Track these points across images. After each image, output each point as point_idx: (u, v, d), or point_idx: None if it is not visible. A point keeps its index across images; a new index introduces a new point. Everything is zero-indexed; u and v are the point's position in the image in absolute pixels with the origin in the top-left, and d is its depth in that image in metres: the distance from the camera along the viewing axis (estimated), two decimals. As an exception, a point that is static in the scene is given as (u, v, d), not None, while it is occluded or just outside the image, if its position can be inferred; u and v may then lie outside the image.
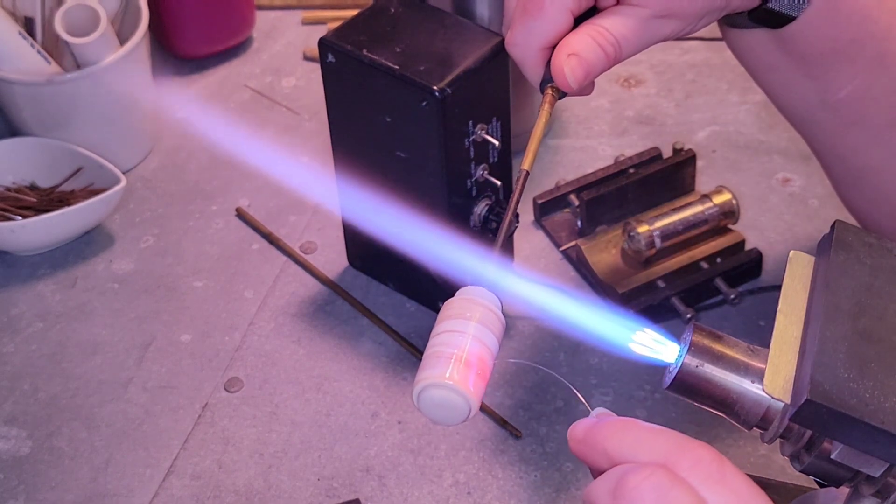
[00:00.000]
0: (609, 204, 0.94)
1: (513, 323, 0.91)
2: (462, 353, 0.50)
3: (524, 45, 0.64)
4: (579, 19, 0.64)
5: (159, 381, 0.89)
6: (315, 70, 1.13)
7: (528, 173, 0.58)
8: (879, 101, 0.70)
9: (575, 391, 0.54)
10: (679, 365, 0.52)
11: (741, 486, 0.45)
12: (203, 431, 0.86)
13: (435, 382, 0.49)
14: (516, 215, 0.85)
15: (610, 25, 0.63)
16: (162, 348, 0.91)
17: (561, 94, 0.63)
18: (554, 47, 0.64)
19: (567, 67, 0.62)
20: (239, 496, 0.82)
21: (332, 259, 0.97)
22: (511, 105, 0.84)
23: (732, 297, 0.90)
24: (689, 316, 0.88)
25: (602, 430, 0.48)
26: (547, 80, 0.63)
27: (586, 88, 0.64)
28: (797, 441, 0.51)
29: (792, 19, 0.67)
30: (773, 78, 0.72)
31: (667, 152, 0.98)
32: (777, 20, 0.67)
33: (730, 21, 0.69)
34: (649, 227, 0.91)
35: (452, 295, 0.53)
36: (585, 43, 0.62)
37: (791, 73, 0.71)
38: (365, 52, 0.80)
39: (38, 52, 0.98)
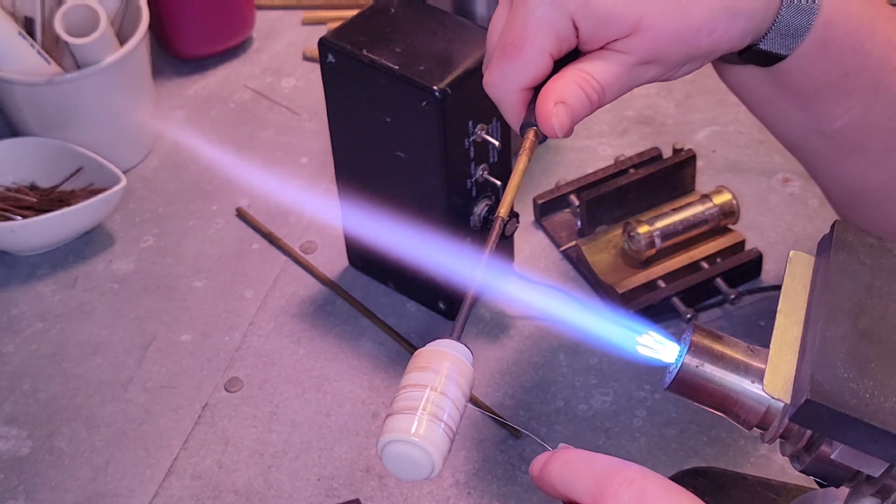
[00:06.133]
0: (609, 204, 0.94)
1: (513, 323, 0.91)
2: (428, 408, 0.49)
3: (502, 87, 0.63)
4: (559, 62, 0.63)
5: (159, 381, 0.89)
6: (315, 70, 1.13)
7: (503, 220, 0.58)
8: (876, 128, 0.70)
9: (537, 439, 0.55)
10: (679, 365, 0.52)
11: (663, 497, 0.48)
12: (203, 431, 0.86)
13: (400, 438, 0.48)
14: (516, 215, 0.85)
15: (594, 71, 0.62)
16: (162, 348, 0.91)
17: (542, 138, 0.62)
18: (533, 89, 0.63)
19: (555, 118, 0.61)
20: (239, 496, 0.82)
21: (332, 259, 0.97)
22: (511, 105, 0.84)
23: (732, 297, 0.90)
24: (689, 316, 0.88)
25: (548, 465, 0.51)
26: (527, 123, 0.62)
27: (568, 132, 0.63)
28: (797, 441, 0.51)
29: (783, 58, 0.67)
30: (767, 109, 0.72)
31: (667, 152, 0.98)
32: (768, 59, 0.67)
33: (721, 57, 0.68)
34: (649, 227, 0.91)
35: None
36: (572, 90, 0.61)
37: (785, 106, 0.70)
38: (365, 52, 0.80)
39: (38, 52, 0.98)
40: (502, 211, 0.58)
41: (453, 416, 0.49)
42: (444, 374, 0.50)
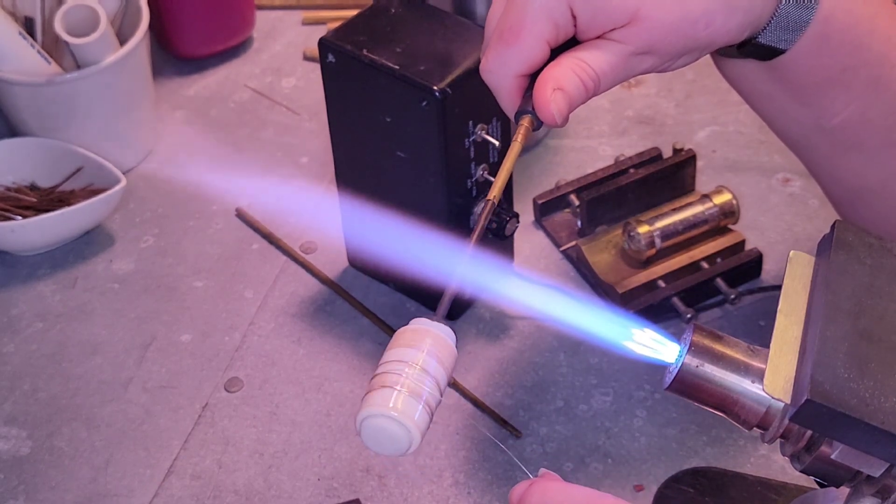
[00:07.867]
0: (609, 204, 0.94)
1: (513, 323, 0.91)
2: (407, 384, 0.49)
3: (498, 73, 0.63)
4: (556, 50, 0.63)
5: (159, 381, 0.89)
6: (315, 70, 1.13)
7: (493, 204, 0.58)
8: (875, 124, 0.70)
9: (517, 460, 0.57)
10: (679, 365, 0.52)
11: None
12: (203, 431, 0.86)
13: (378, 412, 0.49)
14: (516, 215, 0.85)
15: (591, 60, 0.62)
16: (162, 348, 0.91)
17: (537, 126, 0.62)
18: (529, 76, 0.63)
19: (554, 104, 0.61)
20: (239, 496, 0.82)
21: (332, 259, 0.97)
22: (511, 105, 0.84)
23: (732, 297, 0.90)
24: (689, 316, 0.88)
25: (527, 496, 0.53)
26: (522, 110, 0.62)
27: (565, 120, 0.63)
28: (797, 441, 0.51)
29: (782, 52, 0.67)
30: (767, 105, 0.72)
31: (667, 152, 0.98)
32: (767, 53, 0.67)
33: (720, 51, 0.68)
34: (649, 227, 0.91)
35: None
36: (568, 77, 0.61)
37: (784, 101, 0.70)
38: (365, 52, 0.80)
39: (38, 52, 0.98)
40: (493, 194, 0.58)
41: (433, 393, 0.50)
42: (424, 351, 0.50)
